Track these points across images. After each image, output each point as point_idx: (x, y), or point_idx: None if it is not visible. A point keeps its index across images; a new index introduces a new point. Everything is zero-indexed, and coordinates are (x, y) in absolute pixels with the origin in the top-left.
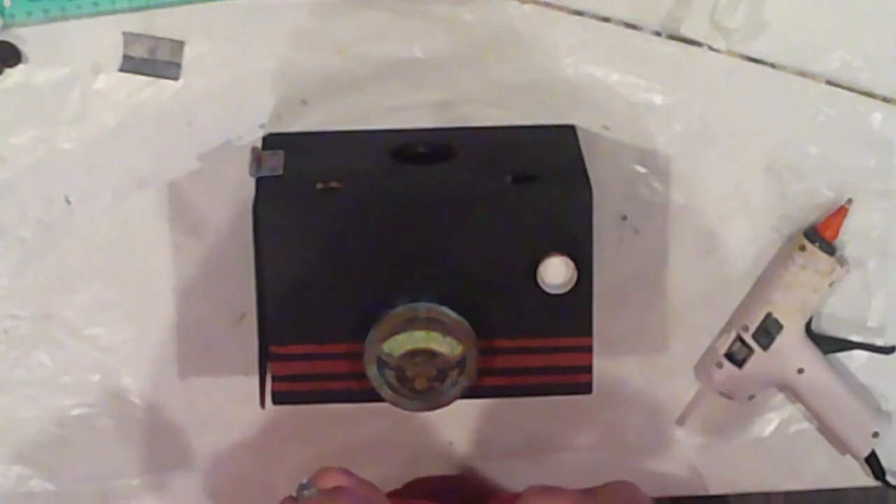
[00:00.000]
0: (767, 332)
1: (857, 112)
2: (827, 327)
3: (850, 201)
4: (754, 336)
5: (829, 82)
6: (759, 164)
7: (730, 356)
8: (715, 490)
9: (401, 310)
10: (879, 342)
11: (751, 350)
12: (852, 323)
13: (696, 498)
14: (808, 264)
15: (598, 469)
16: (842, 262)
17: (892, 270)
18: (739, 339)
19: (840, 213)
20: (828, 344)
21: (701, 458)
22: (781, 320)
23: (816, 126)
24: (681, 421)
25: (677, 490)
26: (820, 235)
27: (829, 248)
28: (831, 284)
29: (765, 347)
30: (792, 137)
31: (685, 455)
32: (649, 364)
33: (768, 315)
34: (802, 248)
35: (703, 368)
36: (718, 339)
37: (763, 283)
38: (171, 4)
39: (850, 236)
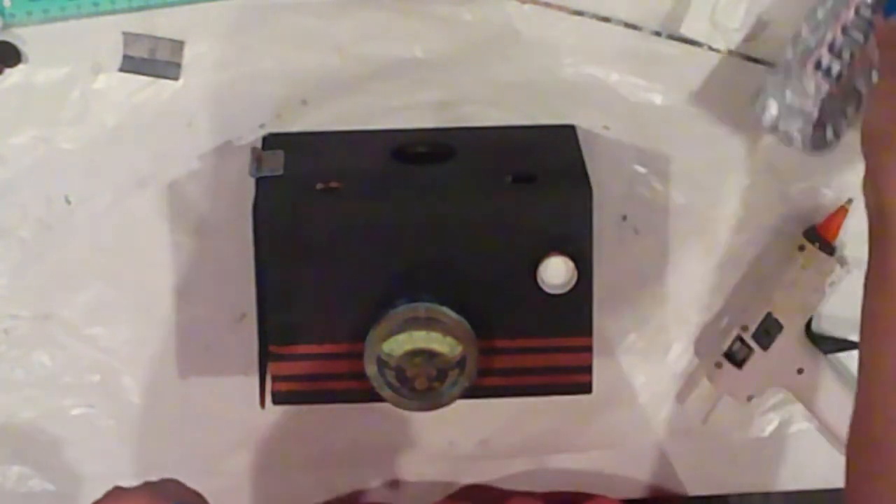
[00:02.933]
0: (767, 332)
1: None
2: (827, 327)
3: (850, 201)
4: (754, 336)
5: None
6: (759, 164)
7: (729, 356)
8: (715, 490)
9: (401, 310)
10: None
11: (750, 350)
12: (852, 323)
13: (696, 498)
14: (808, 264)
15: (599, 469)
16: (842, 262)
17: None
18: (739, 338)
19: (840, 213)
20: (828, 344)
21: (701, 458)
22: (781, 320)
23: None
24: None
25: (677, 490)
26: (820, 235)
27: (830, 248)
28: (831, 284)
29: (764, 347)
30: None
31: (685, 455)
32: (649, 364)
33: (768, 315)
34: (802, 248)
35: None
36: (718, 338)
37: (763, 283)
38: (171, 4)
39: (850, 236)
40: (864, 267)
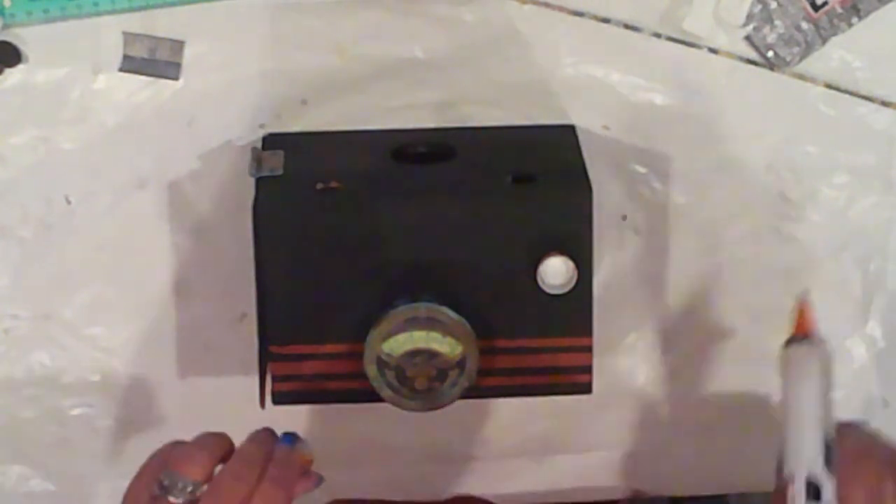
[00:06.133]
0: (831, 449)
1: (857, 112)
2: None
3: (806, 293)
4: (825, 467)
5: (828, 83)
6: (759, 164)
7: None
8: (715, 490)
9: (401, 310)
10: (880, 343)
11: (824, 482)
12: (853, 324)
13: (696, 498)
14: (812, 371)
15: (598, 469)
16: (825, 345)
17: (892, 270)
18: (813, 478)
19: (805, 310)
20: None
21: (701, 458)
22: (831, 431)
23: (816, 126)
24: None
25: (677, 490)
26: (803, 336)
27: (818, 340)
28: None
29: (832, 466)
30: (792, 137)
31: (685, 455)
32: (649, 364)
33: (828, 435)
34: (805, 354)
35: None
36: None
37: (797, 419)
38: (171, 4)
39: (850, 236)
40: (864, 267)
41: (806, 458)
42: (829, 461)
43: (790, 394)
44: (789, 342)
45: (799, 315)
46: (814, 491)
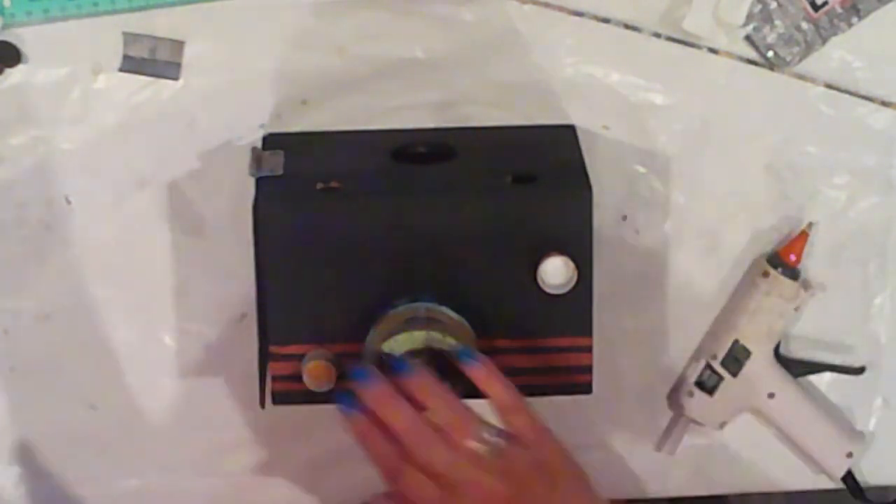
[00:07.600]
0: (736, 359)
1: (857, 112)
2: (796, 350)
3: (810, 225)
4: (723, 363)
5: (828, 83)
6: (759, 164)
7: (700, 384)
8: (715, 490)
9: (401, 310)
10: (880, 343)
11: (720, 377)
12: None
13: (696, 498)
14: (772, 290)
15: (599, 469)
16: (806, 286)
17: (892, 270)
18: (709, 366)
19: (802, 238)
20: (797, 367)
21: (701, 458)
22: (749, 346)
23: (816, 126)
24: (659, 447)
25: (677, 490)
26: (783, 261)
27: (793, 273)
28: (797, 309)
29: (734, 374)
30: (792, 137)
31: (685, 455)
32: (649, 364)
33: (735, 342)
34: (766, 275)
35: (674, 397)
36: (688, 367)
37: (729, 310)
38: (171, 4)
39: (849, 237)
40: (865, 267)
41: (708, 350)
42: (735, 364)
43: (732, 295)
44: (769, 258)
45: (792, 241)
46: (712, 384)
